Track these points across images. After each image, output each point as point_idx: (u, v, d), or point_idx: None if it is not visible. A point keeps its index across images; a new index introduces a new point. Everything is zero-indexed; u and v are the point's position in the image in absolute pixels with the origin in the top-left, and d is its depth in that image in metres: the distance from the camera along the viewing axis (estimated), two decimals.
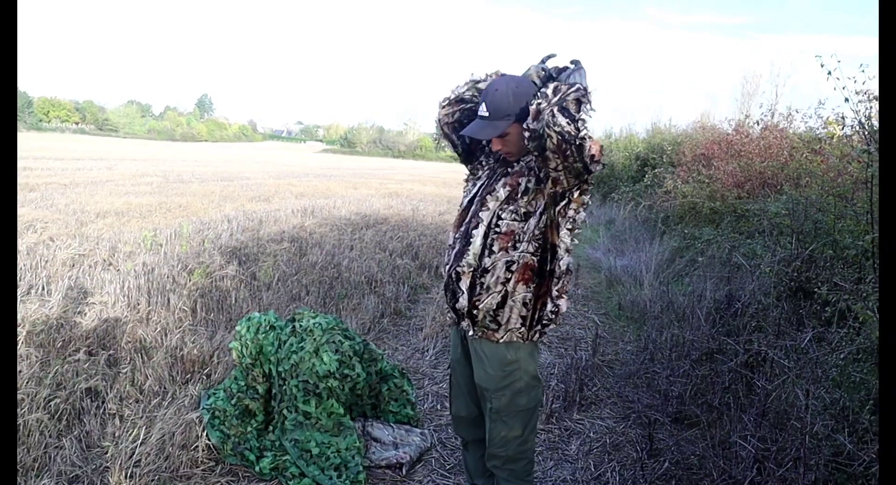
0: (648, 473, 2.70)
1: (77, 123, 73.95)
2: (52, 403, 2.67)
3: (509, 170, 1.87)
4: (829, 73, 3.14)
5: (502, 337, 1.85)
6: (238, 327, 2.91)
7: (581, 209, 1.84)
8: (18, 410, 2.49)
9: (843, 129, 5.95)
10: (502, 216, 1.81)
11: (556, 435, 3.17)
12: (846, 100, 3.07)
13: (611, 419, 3.37)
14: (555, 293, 1.85)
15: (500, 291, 1.81)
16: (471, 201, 1.93)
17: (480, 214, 1.85)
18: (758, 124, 10.51)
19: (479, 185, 1.95)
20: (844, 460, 2.14)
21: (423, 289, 5.90)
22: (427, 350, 4.19)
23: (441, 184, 21.45)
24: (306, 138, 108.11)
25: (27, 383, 2.76)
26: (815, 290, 2.78)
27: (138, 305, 4.19)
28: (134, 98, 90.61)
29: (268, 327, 2.88)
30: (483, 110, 1.79)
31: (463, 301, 1.85)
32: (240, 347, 2.86)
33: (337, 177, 22.17)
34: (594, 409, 3.51)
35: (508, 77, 1.82)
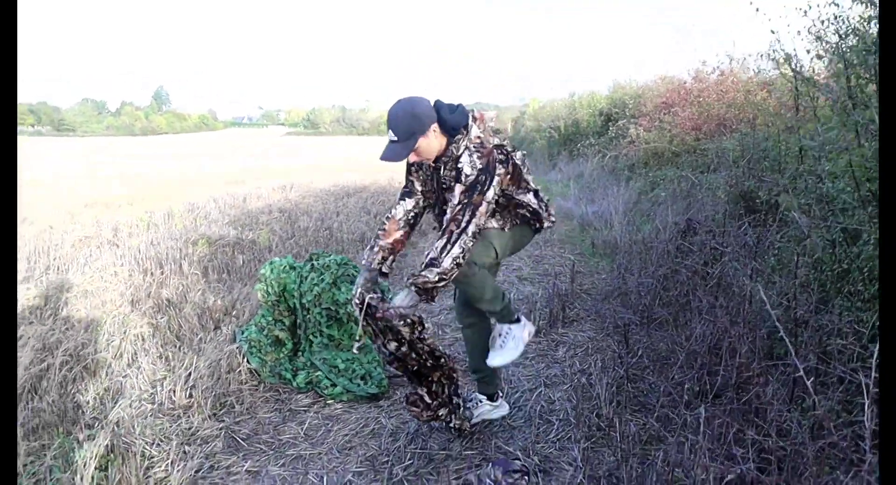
0: (626, 363, 3.19)
1: (33, 126, 72.01)
2: (111, 345, 3.07)
3: (443, 183, 2.27)
4: (757, 9, 3.57)
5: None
6: (262, 271, 3.31)
7: (506, 177, 2.27)
8: (90, 349, 2.89)
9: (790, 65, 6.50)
10: None
11: (545, 345, 3.65)
12: (772, 31, 3.49)
13: (591, 331, 3.86)
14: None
15: None
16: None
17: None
18: (713, 71, 10.99)
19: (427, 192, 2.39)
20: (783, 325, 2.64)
21: (410, 245, 6.32)
22: None
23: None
24: (268, 123, 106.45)
25: (83, 331, 3.16)
26: (757, 196, 3.26)
27: (154, 272, 4.55)
28: (88, 96, 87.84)
29: (289, 268, 3.29)
30: (392, 135, 2.13)
31: None
32: (265, 288, 3.26)
33: (307, 157, 22.29)
34: (576, 325, 4.00)
35: (403, 101, 2.16)
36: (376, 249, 2.39)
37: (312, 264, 3.29)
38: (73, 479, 2.08)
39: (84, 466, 2.11)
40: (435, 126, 2.16)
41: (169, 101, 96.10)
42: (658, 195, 6.46)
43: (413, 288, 2.13)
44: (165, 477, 2.23)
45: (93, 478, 2.10)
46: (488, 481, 2.07)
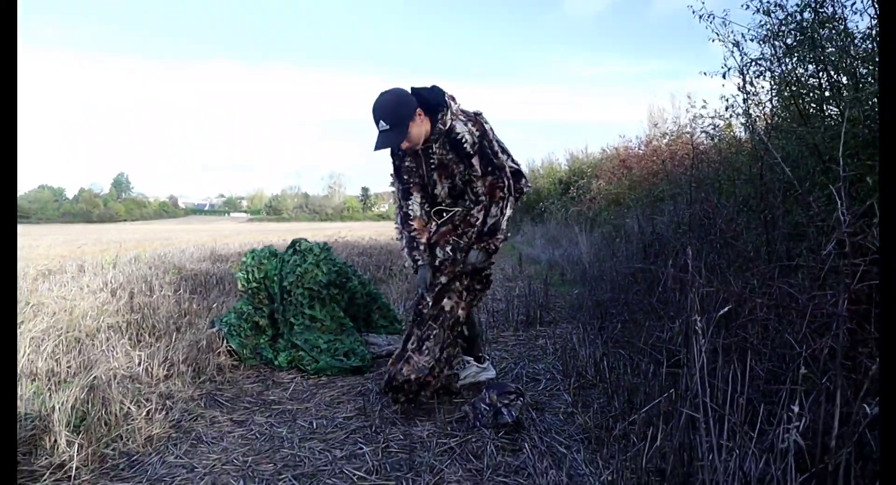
0: (607, 332, 3.23)
1: None
2: (84, 327, 2.98)
3: (432, 163, 2.40)
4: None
5: None
6: (243, 259, 3.31)
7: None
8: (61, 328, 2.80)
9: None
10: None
11: (525, 338, 3.67)
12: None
13: (568, 327, 3.91)
14: None
15: None
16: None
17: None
18: (664, 137, 11.67)
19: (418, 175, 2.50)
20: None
21: (381, 281, 6.33)
22: (400, 305, 4.64)
23: (374, 232, 21.97)
24: (229, 210, 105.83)
25: (51, 316, 3.07)
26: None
27: (125, 291, 4.45)
28: (45, 182, 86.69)
29: (270, 255, 3.30)
30: (383, 125, 2.23)
31: None
32: (245, 275, 3.25)
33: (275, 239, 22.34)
34: (552, 326, 4.04)
35: (386, 93, 2.28)
36: (422, 248, 2.45)
37: (295, 248, 3.31)
38: (51, 417, 1.99)
39: (61, 405, 2.02)
40: (419, 110, 2.27)
41: (129, 189, 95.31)
42: (621, 235, 6.69)
43: (483, 250, 2.36)
44: (146, 426, 2.14)
45: (69, 420, 2.01)
46: (483, 405, 2.05)
